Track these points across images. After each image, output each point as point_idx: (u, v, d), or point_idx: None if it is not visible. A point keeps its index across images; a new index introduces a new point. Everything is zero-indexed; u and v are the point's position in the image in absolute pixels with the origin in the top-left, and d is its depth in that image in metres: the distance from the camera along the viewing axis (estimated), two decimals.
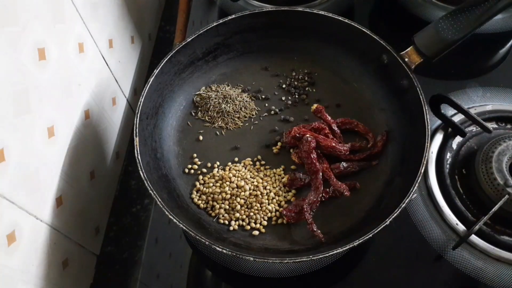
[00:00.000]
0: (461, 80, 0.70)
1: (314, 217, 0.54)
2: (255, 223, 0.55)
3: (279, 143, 0.61)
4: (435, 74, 0.69)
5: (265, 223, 0.55)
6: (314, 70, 0.68)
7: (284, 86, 0.67)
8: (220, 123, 0.64)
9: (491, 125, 0.61)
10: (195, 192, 0.58)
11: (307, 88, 0.66)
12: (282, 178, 0.58)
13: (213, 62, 0.67)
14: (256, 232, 0.54)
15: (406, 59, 0.57)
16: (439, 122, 0.63)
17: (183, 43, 0.61)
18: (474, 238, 0.54)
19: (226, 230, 0.55)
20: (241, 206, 0.56)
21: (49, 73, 0.49)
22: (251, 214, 0.56)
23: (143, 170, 0.52)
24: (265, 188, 0.57)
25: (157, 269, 0.58)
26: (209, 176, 0.59)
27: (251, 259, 0.46)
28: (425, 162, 0.51)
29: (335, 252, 0.46)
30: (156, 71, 0.59)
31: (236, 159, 0.61)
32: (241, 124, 0.64)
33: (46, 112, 0.49)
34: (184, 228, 0.48)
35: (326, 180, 0.56)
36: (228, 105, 0.64)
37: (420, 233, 0.56)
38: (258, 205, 0.56)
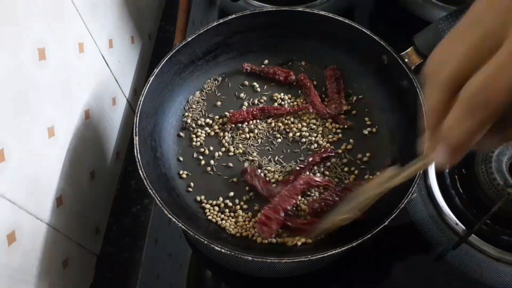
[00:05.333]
0: None
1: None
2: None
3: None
4: None
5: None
6: (314, 70, 0.68)
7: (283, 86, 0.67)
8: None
9: None
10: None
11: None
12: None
13: (213, 62, 0.67)
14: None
15: (406, 60, 0.57)
16: None
17: (183, 43, 0.61)
18: (474, 238, 0.54)
19: (226, 230, 0.55)
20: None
21: (49, 73, 0.49)
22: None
23: (143, 170, 0.52)
24: None
25: (157, 269, 0.59)
26: None
27: (250, 258, 0.46)
28: None
29: (334, 252, 0.46)
30: (156, 71, 0.59)
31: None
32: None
33: (46, 112, 0.49)
34: (183, 227, 0.48)
35: None
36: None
37: (420, 233, 0.56)
38: None
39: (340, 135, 0.62)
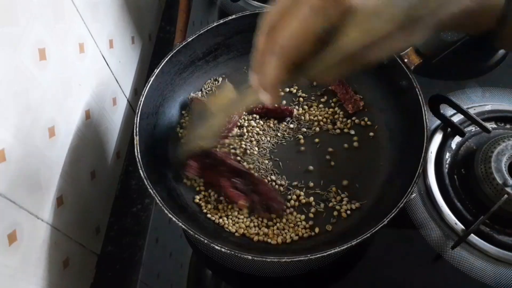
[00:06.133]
0: (460, 80, 0.70)
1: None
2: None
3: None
4: (434, 74, 0.69)
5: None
6: None
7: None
8: None
9: (490, 125, 0.61)
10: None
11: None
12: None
13: (213, 62, 0.67)
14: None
15: (406, 60, 0.57)
16: (438, 122, 0.63)
17: (184, 43, 0.62)
18: (473, 237, 0.54)
19: (225, 229, 0.55)
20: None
21: (49, 73, 0.49)
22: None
23: (143, 169, 0.52)
24: None
25: (158, 269, 0.59)
26: None
27: (250, 257, 0.46)
28: (423, 162, 0.51)
29: (333, 251, 0.46)
30: (156, 71, 0.59)
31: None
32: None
33: (46, 112, 0.49)
34: (183, 227, 0.48)
35: None
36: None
37: (419, 232, 0.56)
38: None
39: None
